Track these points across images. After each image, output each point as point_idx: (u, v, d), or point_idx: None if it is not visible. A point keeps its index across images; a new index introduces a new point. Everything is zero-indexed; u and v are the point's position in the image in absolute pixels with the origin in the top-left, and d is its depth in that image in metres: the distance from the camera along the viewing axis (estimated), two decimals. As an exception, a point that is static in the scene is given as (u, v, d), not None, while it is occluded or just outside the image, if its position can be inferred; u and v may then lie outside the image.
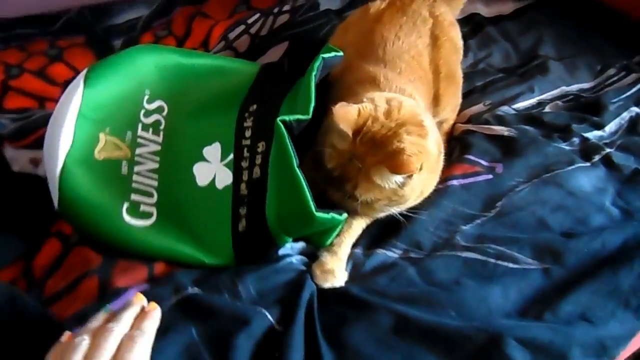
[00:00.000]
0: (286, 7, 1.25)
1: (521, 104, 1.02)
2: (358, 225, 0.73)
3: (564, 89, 1.06)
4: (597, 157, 0.87)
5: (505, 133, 0.91)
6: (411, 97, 0.77)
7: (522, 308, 0.63)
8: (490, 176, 0.82)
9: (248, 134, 0.75)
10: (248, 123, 0.77)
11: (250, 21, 1.21)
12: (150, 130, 0.77)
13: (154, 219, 0.71)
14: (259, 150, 0.72)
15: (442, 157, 0.76)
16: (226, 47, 1.14)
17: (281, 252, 0.70)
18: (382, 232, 0.74)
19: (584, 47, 1.18)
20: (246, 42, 1.16)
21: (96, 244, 0.70)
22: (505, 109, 0.99)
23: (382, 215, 0.74)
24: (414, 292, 0.64)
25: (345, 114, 0.64)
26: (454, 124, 0.97)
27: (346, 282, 0.67)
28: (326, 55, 0.75)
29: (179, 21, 1.25)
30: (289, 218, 0.67)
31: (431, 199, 0.77)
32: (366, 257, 0.70)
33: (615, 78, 1.10)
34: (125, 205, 0.70)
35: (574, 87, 1.08)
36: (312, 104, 0.69)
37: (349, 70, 0.86)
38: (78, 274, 0.68)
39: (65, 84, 1.10)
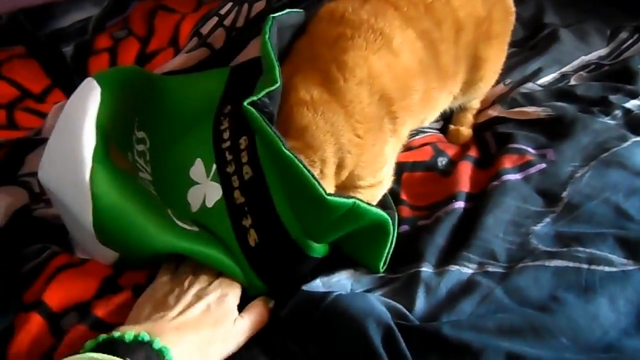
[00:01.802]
0: (262, -7, 1.10)
1: (544, 79, 0.93)
2: None
3: (584, 58, 0.98)
4: (647, 129, 0.78)
5: (542, 114, 0.81)
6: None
7: (638, 320, 0.53)
8: (544, 165, 0.72)
9: (226, 135, 0.64)
10: (225, 125, 0.65)
11: (222, 12, 1.05)
12: (142, 159, 0.64)
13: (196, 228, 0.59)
14: (242, 147, 0.61)
15: None
16: (200, 44, 0.98)
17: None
18: (447, 244, 0.62)
19: (587, 11, 1.11)
20: (222, 36, 0.99)
21: (140, 260, 0.57)
22: (530, 85, 0.90)
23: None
24: (512, 320, 0.52)
25: None
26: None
27: (429, 312, 0.54)
28: (277, 15, 0.63)
29: (138, 18, 1.07)
30: (301, 210, 0.55)
31: (490, 199, 0.66)
32: (438, 276, 0.58)
33: (630, 42, 1.03)
34: (170, 210, 0.59)
35: (593, 55, 1.00)
36: (277, 68, 0.56)
37: None
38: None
39: (10, 105, 0.92)
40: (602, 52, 1.01)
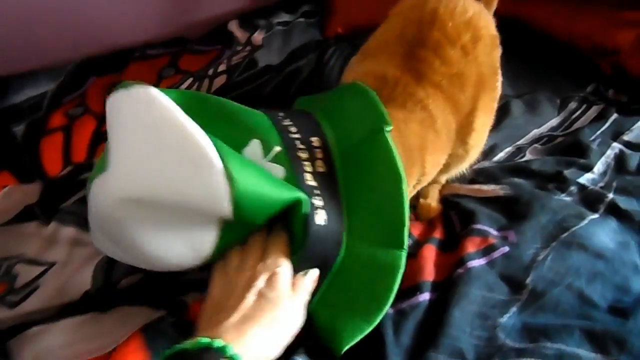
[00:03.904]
0: (221, 68, 1.10)
1: (499, 156, 0.95)
2: None
3: (536, 131, 1.02)
4: (602, 206, 0.80)
5: (501, 193, 0.83)
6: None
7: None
8: (507, 248, 0.72)
9: (294, 129, 0.67)
10: (287, 122, 0.68)
11: (183, 87, 1.05)
12: None
13: None
14: (315, 144, 0.66)
15: None
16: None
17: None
18: (414, 343, 0.61)
19: (538, 80, 1.15)
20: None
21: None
22: (486, 164, 0.92)
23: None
24: None
25: None
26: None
27: None
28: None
29: (96, 94, 1.05)
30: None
31: (455, 289, 0.65)
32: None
33: (579, 112, 1.07)
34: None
35: (545, 127, 1.03)
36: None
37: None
38: None
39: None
40: (554, 122, 1.05)
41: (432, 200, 0.85)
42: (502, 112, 1.04)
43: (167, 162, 0.54)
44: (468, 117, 0.78)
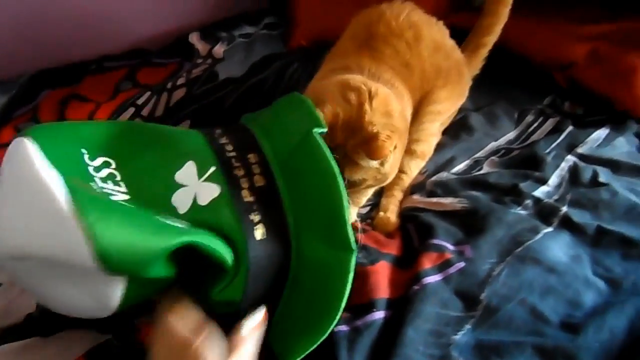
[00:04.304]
0: (181, 81, 1.09)
1: (458, 168, 0.96)
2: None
3: (494, 144, 1.03)
4: (556, 220, 0.82)
5: (459, 206, 0.83)
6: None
7: None
8: (462, 264, 0.73)
9: (229, 147, 0.68)
10: (224, 140, 0.69)
11: (140, 102, 1.03)
12: (110, 182, 0.62)
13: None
14: (252, 161, 0.66)
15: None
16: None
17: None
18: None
19: (497, 93, 1.17)
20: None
21: (146, 284, 0.58)
22: (445, 175, 0.93)
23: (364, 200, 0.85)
24: None
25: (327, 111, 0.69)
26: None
27: None
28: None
29: (48, 108, 1.02)
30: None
31: (410, 307, 0.65)
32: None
33: (535, 125, 1.09)
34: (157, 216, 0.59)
35: (502, 140, 1.05)
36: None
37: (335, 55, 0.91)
38: None
39: None
40: (511, 135, 1.06)
41: (392, 214, 0.85)
42: (461, 125, 1.06)
43: (30, 219, 0.53)
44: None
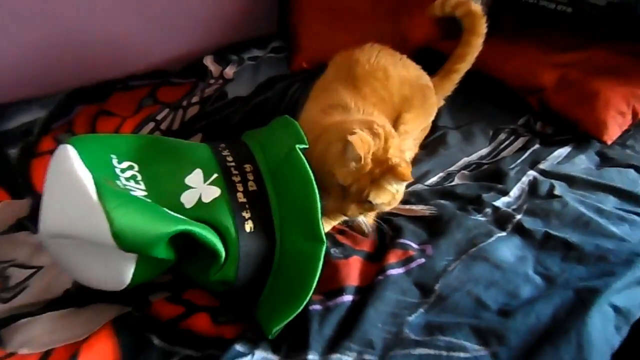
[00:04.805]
0: (195, 99, 1.25)
1: (431, 180, 1.09)
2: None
3: (466, 159, 1.16)
4: (510, 226, 0.95)
5: (427, 212, 0.97)
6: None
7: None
8: (423, 260, 0.86)
9: (230, 159, 0.85)
10: (226, 153, 0.86)
11: (159, 117, 1.19)
12: (132, 181, 0.79)
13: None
14: (247, 170, 0.83)
15: None
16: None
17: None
18: (334, 334, 0.74)
19: (476, 114, 1.31)
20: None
21: (154, 263, 0.73)
22: (419, 187, 1.06)
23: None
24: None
25: (362, 142, 0.80)
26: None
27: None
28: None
29: (82, 121, 1.18)
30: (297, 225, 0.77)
31: (374, 293, 0.79)
32: (323, 365, 0.69)
33: (507, 142, 1.22)
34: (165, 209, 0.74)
35: (475, 156, 1.18)
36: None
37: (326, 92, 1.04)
38: None
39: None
40: (484, 151, 1.20)
41: (369, 218, 0.99)
42: (439, 141, 1.20)
43: (67, 205, 0.70)
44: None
